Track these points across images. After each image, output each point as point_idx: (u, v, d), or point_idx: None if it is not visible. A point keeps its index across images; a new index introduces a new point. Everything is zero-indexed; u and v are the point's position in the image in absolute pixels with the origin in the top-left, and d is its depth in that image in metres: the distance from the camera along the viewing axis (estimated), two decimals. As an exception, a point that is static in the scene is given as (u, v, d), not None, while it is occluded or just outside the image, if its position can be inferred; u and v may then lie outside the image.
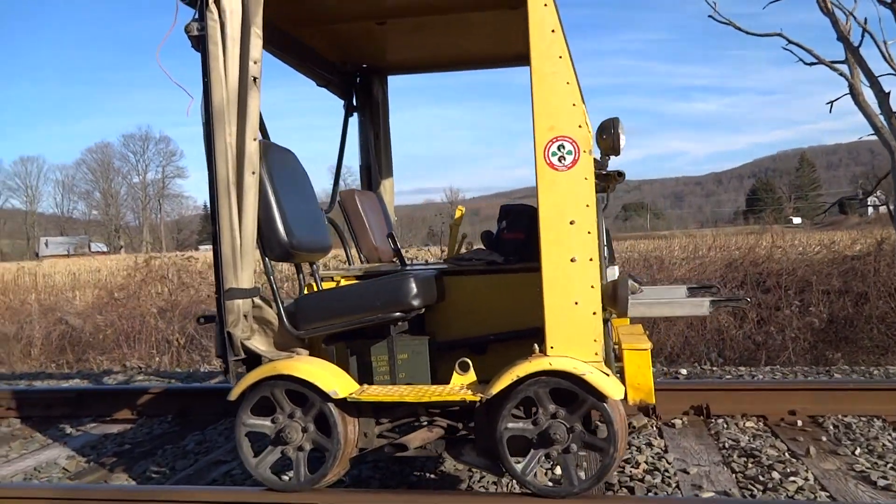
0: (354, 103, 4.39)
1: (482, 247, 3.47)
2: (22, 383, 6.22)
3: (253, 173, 2.72)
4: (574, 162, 2.52)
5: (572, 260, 2.53)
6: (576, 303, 2.53)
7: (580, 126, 2.52)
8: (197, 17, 2.71)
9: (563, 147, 2.52)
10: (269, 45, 3.42)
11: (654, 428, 3.96)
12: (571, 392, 2.55)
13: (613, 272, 3.18)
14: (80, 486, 3.22)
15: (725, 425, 3.94)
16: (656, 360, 7.52)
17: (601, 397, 2.51)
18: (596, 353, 2.53)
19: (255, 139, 2.72)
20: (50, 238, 69.44)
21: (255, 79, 2.71)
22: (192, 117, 2.79)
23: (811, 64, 12.60)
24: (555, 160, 2.53)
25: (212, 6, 2.66)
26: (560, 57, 2.52)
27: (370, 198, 4.25)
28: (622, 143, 3.25)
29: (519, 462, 2.60)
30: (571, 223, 2.53)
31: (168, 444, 4.07)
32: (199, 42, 2.71)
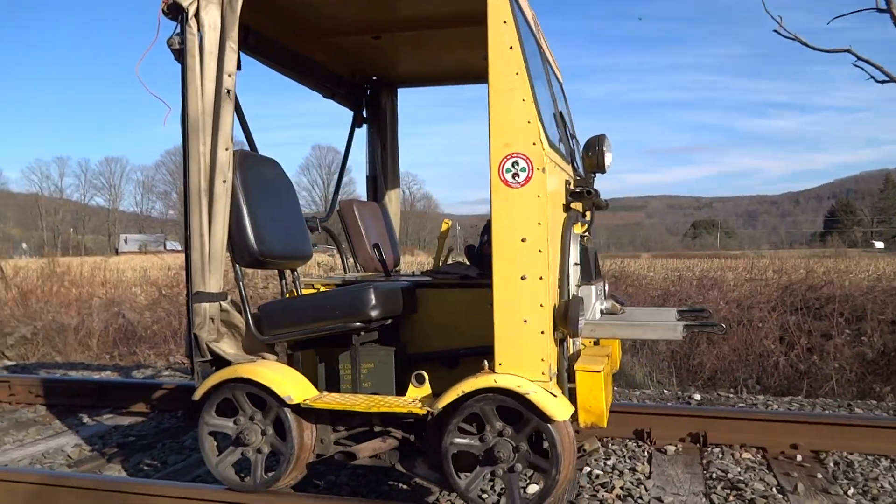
0: (364, 115, 4.47)
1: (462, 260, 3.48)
2: (59, 372, 6.57)
3: (224, 182, 2.81)
4: (527, 179, 2.50)
5: (522, 278, 2.51)
6: (525, 321, 2.51)
7: (534, 143, 2.50)
8: (178, 31, 2.83)
9: (518, 164, 2.51)
10: (269, 60, 3.53)
11: (646, 453, 3.85)
12: (518, 411, 2.52)
13: (589, 291, 3.12)
14: (54, 473, 3.41)
15: (720, 455, 3.79)
16: (692, 384, 7.29)
17: (546, 418, 2.47)
18: (543, 373, 2.50)
19: (227, 149, 2.81)
20: (129, 235, 73.02)
21: (228, 91, 2.81)
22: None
23: (882, 82, 12.01)
24: (508, 177, 2.52)
25: (191, 20, 2.77)
26: (517, 74, 2.51)
27: (372, 208, 4.30)
28: (608, 160, 3.21)
29: (465, 478, 2.59)
30: (523, 241, 2.51)
31: (168, 439, 4.23)
32: (181, 55, 2.83)
